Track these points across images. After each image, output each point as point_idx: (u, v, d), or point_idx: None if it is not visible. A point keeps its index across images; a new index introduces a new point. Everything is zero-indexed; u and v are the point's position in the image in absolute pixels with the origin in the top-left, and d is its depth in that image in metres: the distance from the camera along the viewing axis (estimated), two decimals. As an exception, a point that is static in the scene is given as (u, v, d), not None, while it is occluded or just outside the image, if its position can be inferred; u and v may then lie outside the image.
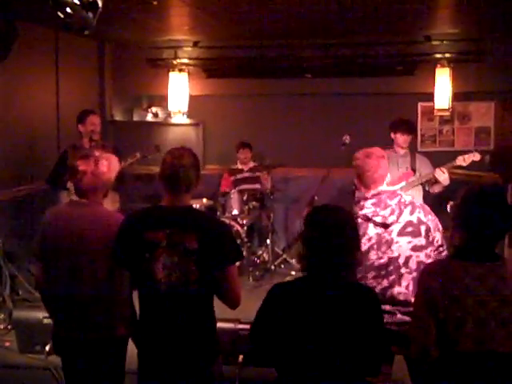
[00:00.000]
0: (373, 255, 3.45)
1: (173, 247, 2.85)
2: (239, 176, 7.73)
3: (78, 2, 3.57)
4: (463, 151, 5.89)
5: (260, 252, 7.56)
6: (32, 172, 6.74)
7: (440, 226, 3.58)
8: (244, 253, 6.87)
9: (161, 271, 2.85)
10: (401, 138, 6.18)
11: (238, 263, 3.11)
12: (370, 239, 3.46)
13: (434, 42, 7.55)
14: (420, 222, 3.51)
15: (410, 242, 3.46)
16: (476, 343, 2.47)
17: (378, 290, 3.43)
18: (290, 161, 7.83)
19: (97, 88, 8.35)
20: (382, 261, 3.45)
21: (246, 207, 7.27)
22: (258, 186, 7.71)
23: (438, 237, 3.53)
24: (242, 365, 4.43)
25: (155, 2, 5.50)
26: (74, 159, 5.47)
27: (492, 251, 2.61)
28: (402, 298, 3.43)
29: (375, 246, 3.46)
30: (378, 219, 3.48)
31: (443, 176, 5.60)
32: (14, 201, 6.49)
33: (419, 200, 5.51)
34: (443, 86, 7.44)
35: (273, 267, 7.32)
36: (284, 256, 7.58)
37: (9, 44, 5.36)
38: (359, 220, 3.47)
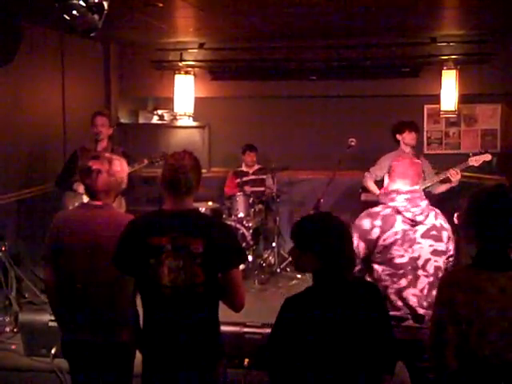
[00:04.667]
0: (394, 250, 3.44)
1: (178, 251, 2.84)
2: (244, 178, 7.72)
3: (84, 4, 3.57)
4: (472, 153, 5.92)
5: (266, 255, 7.54)
6: (38, 175, 6.74)
7: (452, 236, 3.59)
8: (250, 256, 6.87)
9: (166, 275, 2.83)
10: (408, 136, 6.27)
11: (242, 266, 3.10)
12: (396, 233, 3.45)
13: (440, 44, 7.54)
14: (442, 227, 3.54)
15: (431, 246, 3.47)
16: (498, 354, 2.43)
17: (393, 288, 3.44)
18: (296, 163, 7.82)
19: (102, 90, 8.35)
20: (402, 260, 3.44)
21: (252, 210, 7.26)
22: (263, 188, 7.70)
23: (451, 247, 3.56)
24: (247, 368, 4.42)
25: (161, 4, 5.51)
26: (83, 161, 5.53)
27: (509, 258, 2.54)
28: (415, 299, 3.42)
29: (399, 242, 3.45)
30: (408, 215, 3.47)
31: (457, 177, 5.77)
32: (20, 203, 6.49)
33: None
34: (449, 88, 7.42)
35: (278, 270, 7.29)
36: (290, 259, 7.54)
37: (14, 47, 5.38)
38: (388, 211, 3.49)
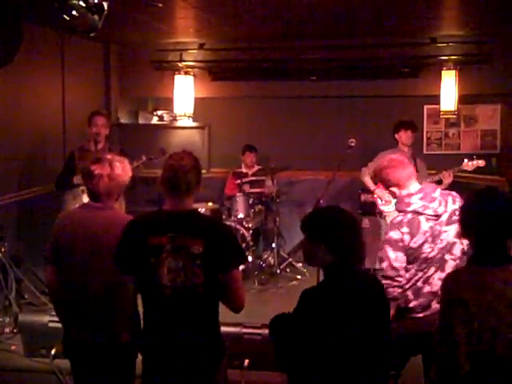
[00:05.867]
0: (427, 248, 3.54)
1: (177, 251, 2.84)
2: (244, 179, 7.72)
3: (84, 5, 3.57)
4: (469, 154, 5.96)
5: (265, 256, 7.54)
6: (38, 175, 6.74)
7: None
8: (249, 256, 6.87)
9: (166, 275, 2.84)
10: (404, 135, 6.38)
11: (241, 267, 3.11)
12: (424, 233, 3.54)
13: (440, 44, 7.52)
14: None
15: (456, 229, 3.53)
16: (509, 348, 2.45)
17: (422, 278, 3.55)
18: (296, 164, 7.81)
19: (102, 90, 8.35)
20: (432, 253, 3.54)
21: (252, 211, 7.26)
22: (263, 189, 7.70)
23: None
24: (247, 369, 4.42)
25: (161, 5, 5.50)
26: (81, 161, 5.55)
27: (505, 253, 2.58)
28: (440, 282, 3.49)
29: (429, 239, 3.54)
30: (429, 212, 3.55)
31: (449, 179, 5.88)
32: (19, 204, 6.49)
33: None
34: (449, 89, 7.43)
35: (278, 271, 7.29)
36: (289, 260, 7.55)
37: (15, 47, 5.37)
38: (409, 216, 3.56)
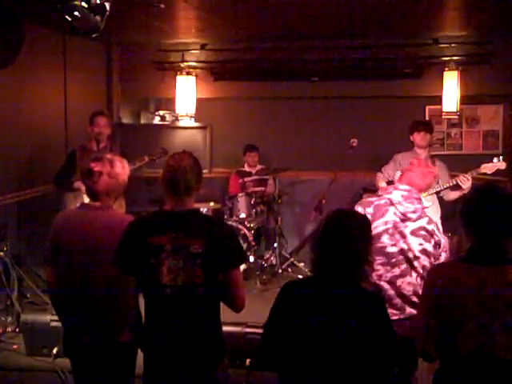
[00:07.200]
0: (385, 239, 3.53)
1: (178, 251, 2.85)
2: (247, 179, 7.72)
3: (86, 6, 3.58)
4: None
5: (267, 256, 7.54)
6: (40, 175, 6.75)
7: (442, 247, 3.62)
8: (251, 256, 6.87)
9: (166, 275, 2.84)
10: (417, 137, 6.10)
11: (243, 266, 3.11)
12: (386, 223, 3.55)
13: (442, 45, 7.53)
14: (433, 233, 3.57)
15: (421, 244, 3.53)
16: (477, 346, 2.46)
17: (386, 277, 3.52)
18: (297, 164, 7.83)
19: (104, 91, 8.36)
20: (393, 249, 3.53)
21: (254, 211, 7.26)
22: (266, 188, 7.70)
23: (442, 257, 3.59)
24: (249, 368, 4.42)
25: (162, 6, 5.51)
26: (82, 161, 5.55)
27: (501, 254, 2.58)
28: (411, 287, 3.50)
29: (390, 231, 3.54)
30: (401, 208, 3.56)
31: (467, 183, 5.43)
32: (21, 204, 6.50)
33: (434, 206, 5.58)
34: (451, 89, 7.42)
35: (280, 271, 7.28)
36: (291, 260, 7.55)
37: (17, 47, 5.39)
38: (382, 201, 3.61)
